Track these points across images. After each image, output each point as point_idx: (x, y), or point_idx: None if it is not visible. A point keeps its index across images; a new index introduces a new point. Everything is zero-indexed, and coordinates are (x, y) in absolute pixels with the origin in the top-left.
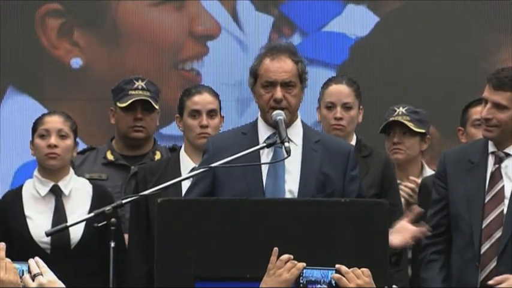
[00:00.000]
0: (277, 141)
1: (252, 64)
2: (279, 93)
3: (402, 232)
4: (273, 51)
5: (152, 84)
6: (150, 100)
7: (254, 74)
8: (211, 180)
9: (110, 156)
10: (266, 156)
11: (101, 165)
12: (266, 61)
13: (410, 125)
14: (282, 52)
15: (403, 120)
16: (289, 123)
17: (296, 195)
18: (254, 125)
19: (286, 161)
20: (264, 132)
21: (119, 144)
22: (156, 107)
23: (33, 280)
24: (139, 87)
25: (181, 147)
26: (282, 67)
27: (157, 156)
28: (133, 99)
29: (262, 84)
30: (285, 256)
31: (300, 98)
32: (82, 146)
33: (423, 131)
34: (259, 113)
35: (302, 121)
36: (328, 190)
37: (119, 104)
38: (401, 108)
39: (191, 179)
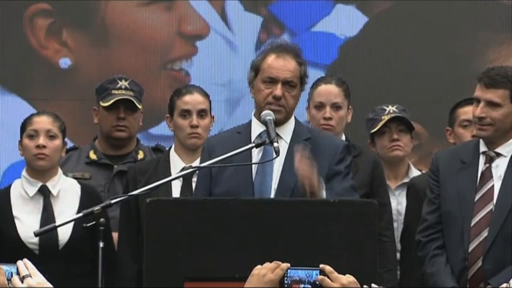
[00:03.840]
0: (267, 141)
1: (255, 58)
2: (279, 90)
3: None
4: (279, 49)
5: (136, 84)
6: (133, 100)
7: (256, 68)
8: (210, 182)
9: (92, 156)
10: (257, 153)
11: (84, 165)
12: (270, 57)
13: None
14: (288, 51)
15: (404, 116)
16: (282, 122)
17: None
18: (248, 123)
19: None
20: (257, 130)
21: (101, 144)
22: (139, 106)
23: (22, 282)
24: (123, 86)
25: (171, 147)
26: (285, 65)
27: (141, 155)
28: (116, 98)
29: (263, 79)
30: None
31: (297, 100)
32: (70, 146)
33: (414, 128)
34: (254, 112)
35: (296, 119)
36: None
37: (102, 103)
38: (390, 106)
39: (181, 178)
